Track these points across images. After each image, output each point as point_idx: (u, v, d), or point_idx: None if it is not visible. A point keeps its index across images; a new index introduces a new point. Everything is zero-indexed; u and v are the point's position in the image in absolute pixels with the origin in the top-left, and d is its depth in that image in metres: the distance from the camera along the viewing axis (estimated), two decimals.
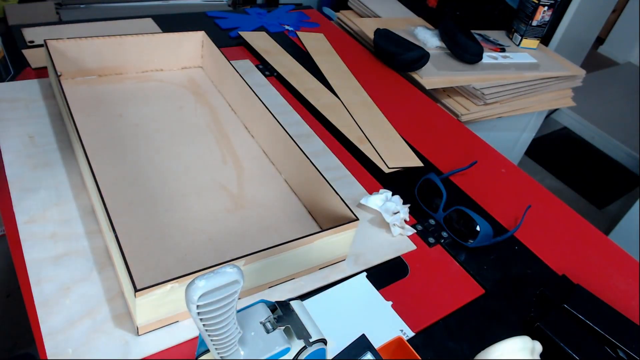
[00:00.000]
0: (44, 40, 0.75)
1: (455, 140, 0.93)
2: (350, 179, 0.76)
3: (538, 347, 0.46)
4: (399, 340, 0.49)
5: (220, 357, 0.38)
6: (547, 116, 2.50)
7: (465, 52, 1.16)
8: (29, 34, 0.92)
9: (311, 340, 0.41)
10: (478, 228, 0.67)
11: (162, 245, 0.59)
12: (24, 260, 0.54)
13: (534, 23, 1.28)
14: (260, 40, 1.08)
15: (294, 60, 1.05)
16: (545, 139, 2.46)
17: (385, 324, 0.56)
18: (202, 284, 0.33)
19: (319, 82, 0.99)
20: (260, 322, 0.41)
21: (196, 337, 0.51)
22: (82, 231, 0.59)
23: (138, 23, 1.01)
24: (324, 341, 0.42)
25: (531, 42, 1.32)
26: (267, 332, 0.40)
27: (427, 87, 1.09)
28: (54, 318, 0.50)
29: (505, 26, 1.41)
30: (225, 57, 0.83)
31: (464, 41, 1.17)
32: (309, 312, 0.43)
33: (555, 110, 2.51)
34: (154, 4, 1.34)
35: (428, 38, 1.23)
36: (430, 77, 1.10)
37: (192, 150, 0.73)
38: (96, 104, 0.78)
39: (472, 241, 0.68)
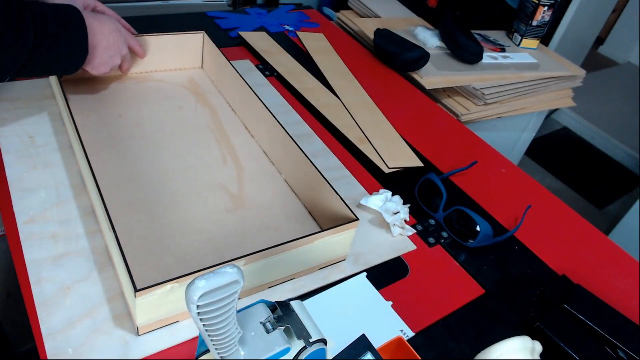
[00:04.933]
0: None
1: (455, 140, 0.93)
2: (350, 179, 0.76)
3: (538, 347, 0.46)
4: (399, 340, 0.49)
5: (220, 357, 0.38)
6: (547, 116, 2.50)
7: (465, 52, 1.16)
8: None
9: (311, 340, 0.41)
10: (478, 228, 0.67)
11: (162, 245, 0.59)
12: (24, 260, 0.54)
13: (534, 23, 1.28)
14: (260, 40, 1.08)
15: (294, 60, 1.05)
16: (545, 139, 2.46)
17: (385, 324, 0.56)
18: (202, 284, 0.33)
19: (319, 82, 0.99)
20: (260, 322, 0.41)
21: (196, 337, 0.51)
22: (82, 231, 0.59)
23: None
24: (324, 341, 0.42)
25: (531, 42, 1.32)
26: (267, 332, 0.40)
27: (427, 87, 1.09)
28: (54, 318, 0.50)
29: (505, 26, 1.41)
30: (225, 57, 0.83)
31: (464, 41, 1.17)
32: (309, 312, 0.43)
33: (555, 110, 2.51)
34: (154, 4, 1.33)
35: (428, 38, 1.23)
36: (430, 77, 1.10)
37: (192, 150, 0.73)
38: (96, 104, 0.78)
39: (472, 241, 0.68)
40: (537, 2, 1.26)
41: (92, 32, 0.66)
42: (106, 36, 0.69)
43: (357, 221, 0.58)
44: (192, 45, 0.89)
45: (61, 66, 0.66)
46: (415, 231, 0.70)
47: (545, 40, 1.51)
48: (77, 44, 0.65)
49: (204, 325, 0.35)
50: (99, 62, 0.70)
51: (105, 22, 0.70)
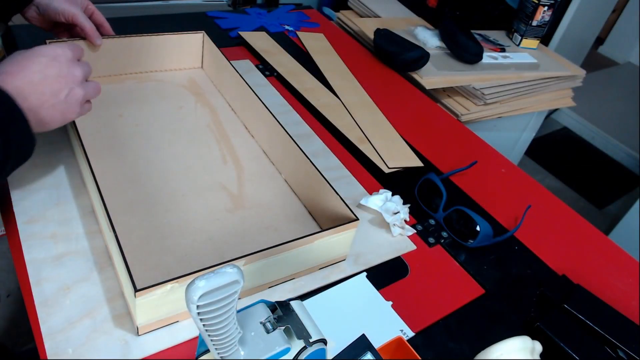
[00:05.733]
0: (45, 41, 0.75)
1: (455, 140, 0.93)
2: (350, 179, 0.76)
3: (538, 347, 0.46)
4: (399, 340, 0.49)
5: (220, 357, 0.38)
6: (547, 116, 2.50)
7: (465, 52, 1.16)
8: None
9: (311, 340, 0.41)
10: (478, 228, 0.67)
11: (162, 245, 0.59)
12: (24, 260, 0.54)
13: (534, 23, 1.29)
14: (260, 40, 1.08)
15: (294, 60, 1.05)
16: (545, 139, 2.46)
17: (385, 324, 0.56)
18: (202, 284, 0.33)
19: (319, 82, 0.99)
20: (260, 322, 0.41)
21: (196, 337, 0.51)
22: (82, 231, 0.59)
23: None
24: (324, 341, 0.42)
25: (531, 42, 1.32)
26: (267, 332, 0.40)
27: (427, 87, 1.09)
28: (54, 318, 0.50)
29: (505, 26, 1.41)
30: (225, 57, 0.83)
31: (464, 41, 1.17)
32: (309, 312, 0.43)
33: (555, 110, 2.51)
34: (154, 4, 1.34)
35: (428, 38, 1.23)
36: (430, 77, 1.10)
37: (192, 150, 0.73)
38: (96, 104, 0.77)
39: (472, 241, 0.68)
40: (537, 2, 1.26)
41: (27, 106, 0.51)
42: (42, 92, 0.52)
43: (357, 221, 0.58)
44: (192, 45, 0.89)
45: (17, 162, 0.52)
46: (415, 231, 0.70)
47: (545, 40, 1.52)
48: (24, 140, 0.51)
49: (204, 325, 0.35)
50: (51, 124, 0.55)
51: (33, 70, 0.52)
